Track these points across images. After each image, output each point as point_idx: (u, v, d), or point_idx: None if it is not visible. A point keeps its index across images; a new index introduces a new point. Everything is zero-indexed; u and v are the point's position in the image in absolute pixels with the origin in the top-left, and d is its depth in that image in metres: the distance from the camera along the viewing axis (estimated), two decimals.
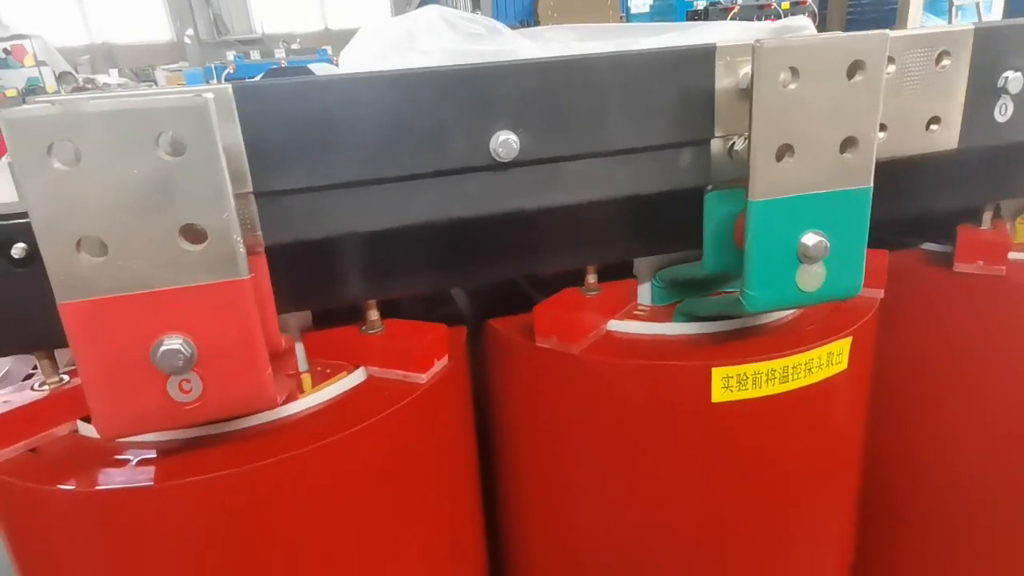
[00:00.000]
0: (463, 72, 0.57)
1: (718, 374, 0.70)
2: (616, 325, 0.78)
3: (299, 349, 0.74)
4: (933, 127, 0.71)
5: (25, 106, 0.43)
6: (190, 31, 14.28)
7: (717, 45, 0.62)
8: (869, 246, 0.88)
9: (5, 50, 12.03)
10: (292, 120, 0.53)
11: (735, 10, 9.27)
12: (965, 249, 0.85)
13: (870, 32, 0.59)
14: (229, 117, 0.51)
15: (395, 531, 0.71)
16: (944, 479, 0.96)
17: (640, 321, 0.78)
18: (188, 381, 0.51)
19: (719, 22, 1.43)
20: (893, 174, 0.81)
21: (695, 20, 9.59)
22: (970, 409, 0.92)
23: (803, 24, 1.29)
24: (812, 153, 0.61)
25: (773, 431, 0.74)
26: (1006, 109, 0.72)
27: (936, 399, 0.94)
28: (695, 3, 9.95)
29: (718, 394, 0.70)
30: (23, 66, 11.89)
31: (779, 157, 0.60)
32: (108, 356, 0.48)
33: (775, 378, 0.71)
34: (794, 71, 0.58)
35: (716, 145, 0.66)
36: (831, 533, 0.86)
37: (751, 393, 0.71)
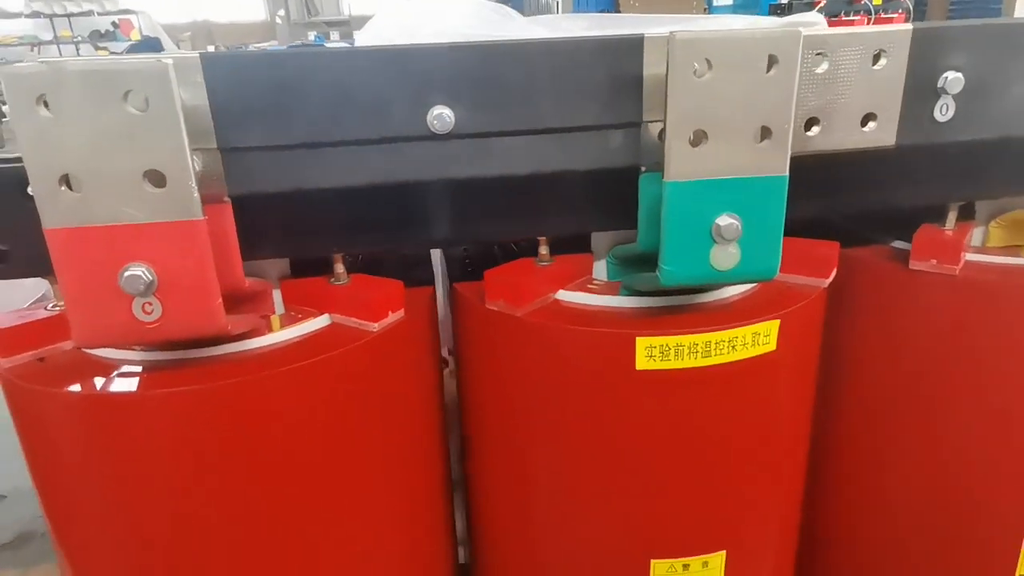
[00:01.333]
0: (403, 51, 0.64)
1: (642, 343, 0.75)
2: (564, 295, 0.84)
3: (277, 295, 0.84)
4: (870, 124, 0.73)
5: (20, 63, 0.53)
6: (281, 12, 14.85)
7: (645, 36, 0.67)
8: (838, 239, 0.92)
9: (113, 23, 12.81)
10: (251, 87, 0.62)
11: (821, 3, 8.95)
12: (920, 247, 0.87)
13: (784, 29, 0.63)
14: (196, 82, 0.60)
15: (346, 466, 0.79)
16: (893, 468, 0.98)
17: (588, 293, 0.84)
18: (150, 304, 0.60)
19: (723, 15, 1.45)
20: (863, 170, 0.85)
21: (778, 14, 9.30)
22: (914, 405, 0.93)
23: (813, 20, 1.31)
24: (726, 140, 0.65)
25: (697, 401, 0.79)
26: (947, 109, 0.74)
27: (885, 392, 0.95)
28: None
29: (642, 362, 0.76)
30: (129, 39, 12.63)
31: (694, 142, 0.65)
32: (83, 277, 0.59)
33: (697, 352, 0.76)
34: (709, 63, 0.63)
35: (648, 129, 0.71)
36: (771, 507, 0.90)
37: (673, 364, 0.76)
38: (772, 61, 0.63)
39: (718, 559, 0.86)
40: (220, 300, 0.62)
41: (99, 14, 12.36)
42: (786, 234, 0.88)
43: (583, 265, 0.89)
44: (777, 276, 0.86)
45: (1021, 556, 0.93)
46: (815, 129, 0.73)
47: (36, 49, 11.63)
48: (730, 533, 0.86)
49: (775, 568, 0.97)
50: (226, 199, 0.66)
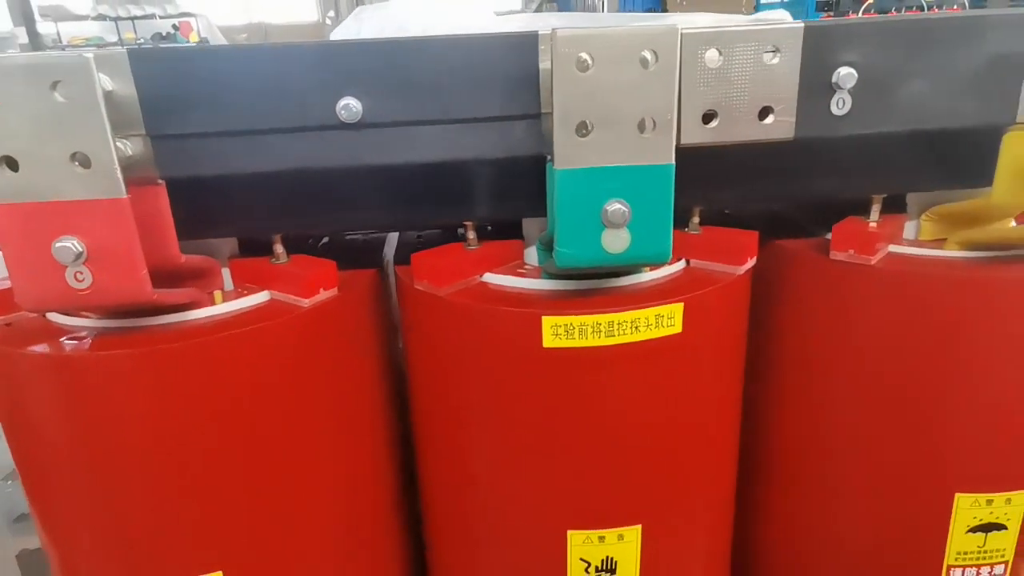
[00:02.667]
0: (313, 47, 0.70)
1: (548, 322, 0.80)
2: (491, 277, 0.90)
3: (226, 273, 0.91)
4: (768, 118, 0.76)
5: None
6: (331, 12, 15.22)
7: (539, 32, 0.72)
8: (779, 233, 0.95)
9: (174, 26, 13.34)
10: (175, 79, 0.69)
11: (869, 2, 8.70)
12: (839, 238, 0.89)
13: (661, 26, 0.67)
14: (124, 75, 0.68)
15: (279, 431, 0.86)
16: (808, 446, 1.00)
17: (514, 276, 0.89)
18: (81, 273, 0.68)
19: (692, 13, 1.47)
20: (795, 161, 0.88)
21: (826, 10, 9.05)
22: (826, 392, 0.95)
23: (779, 17, 1.33)
24: (610, 131, 0.69)
25: (604, 378, 0.83)
26: (843, 103, 0.76)
27: (810, 377, 0.97)
28: None
29: (548, 340, 0.81)
30: (188, 41, 13.15)
31: (580, 133, 0.70)
32: (23, 247, 0.67)
33: (600, 331, 0.80)
34: (591, 58, 0.67)
35: (546, 120, 0.75)
36: (691, 485, 0.93)
37: (578, 342, 0.80)
38: (652, 56, 0.67)
39: (634, 532, 0.90)
40: (145, 271, 0.70)
41: (160, 17, 12.87)
42: (736, 224, 0.92)
43: (515, 250, 0.94)
44: (697, 263, 0.90)
45: (950, 533, 0.94)
46: (714, 122, 0.76)
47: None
48: (646, 508, 0.90)
49: (705, 546, 1.00)
50: (159, 181, 0.74)
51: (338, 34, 1.27)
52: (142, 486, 0.82)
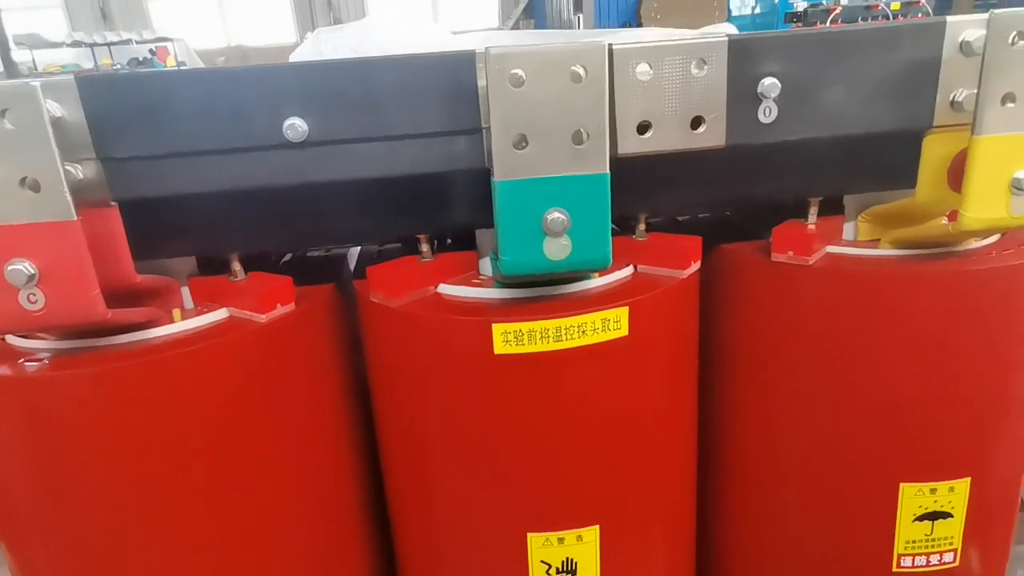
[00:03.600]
0: (258, 70, 0.73)
1: (498, 329, 0.82)
2: (445, 288, 0.92)
3: (186, 291, 0.93)
4: (700, 127, 0.80)
5: None
6: (309, 33, 15.30)
7: (476, 51, 0.75)
8: (729, 237, 0.98)
9: (151, 50, 13.33)
10: (123, 105, 0.71)
11: (837, 11, 8.87)
12: (779, 241, 0.92)
13: (589, 42, 0.71)
14: (73, 101, 0.70)
15: (239, 443, 0.87)
16: (760, 442, 1.03)
17: (468, 286, 0.91)
18: (34, 295, 0.70)
19: (642, 29, 1.52)
20: (732, 168, 0.91)
21: (795, 22, 9.22)
22: (775, 390, 0.98)
23: (724, 29, 1.38)
24: (546, 143, 0.72)
25: (555, 382, 0.85)
26: (770, 112, 0.80)
27: (760, 375, 1.01)
28: (795, 5, 9.60)
29: (499, 347, 0.83)
30: (165, 66, 13.14)
31: (517, 145, 0.73)
32: None
33: (549, 336, 0.83)
34: (523, 75, 0.70)
35: (488, 134, 0.78)
36: (647, 484, 0.96)
37: (528, 348, 0.83)
38: (583, 71, 0.71)
39: (592, 533, 0.92)
40: (98, 292, 0.71)
41: (137, 42, 12.86)
42: (689, 231, 0.96)
43: (469, 261, 0.96)
44: (641, 268, 0.93)
45: (898, 523, 0.97)
46: (649, 132, 0.79)
47: None
48: (602, 509, 0.92)
49: (665, 544, 1.02)
50: (112, 203, 0.76)
51: (297, 56, 1.30)
52: (103, 502, 0.83)
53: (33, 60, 12.08)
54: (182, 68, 0.77)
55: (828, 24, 8.75)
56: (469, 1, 15.57)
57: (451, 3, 15.79)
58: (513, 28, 12.17)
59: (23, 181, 0.67)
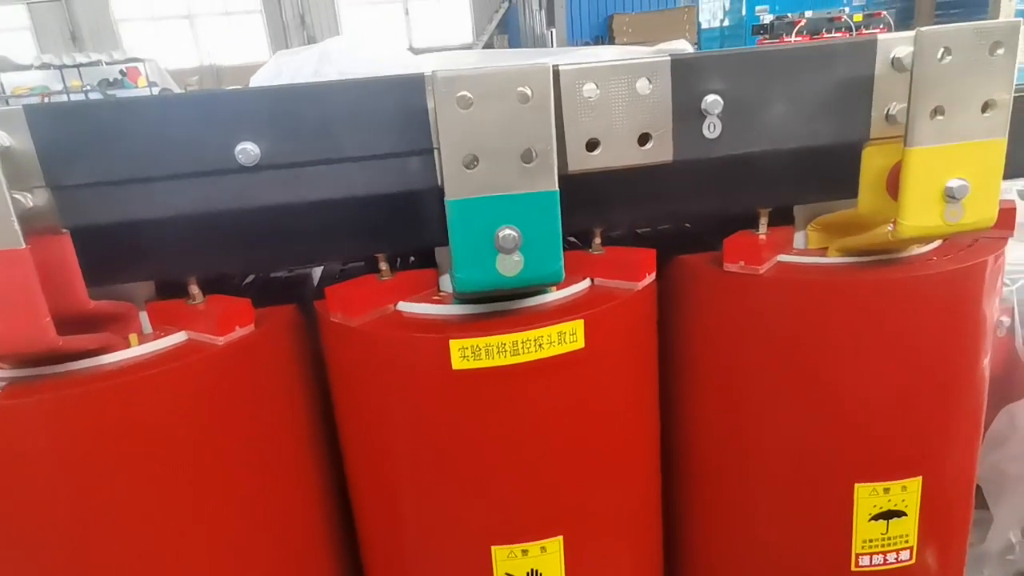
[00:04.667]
0: (209, 96, 0.74)
1: (455, 345, 0.83)
2: (405, 306, 0.93)
3: (144, 316, 0.93)
4: (648, 143, 0.82)
5: None
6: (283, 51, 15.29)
7: (424, 74, 0.77)
8: (687, 249, 1.00)
9: (121, 71, 13.23)
10: (71, 132, 0.72)
11: (802, 23, 9.06)
12: (731, 251, 0.95)
13: (534, 64, 0.73)
14: (21, 130, 0.71)
15: (199, 469, 0.87)
16: (720, 448, 1.06)
17: (428, 303, 0.93)
18: None
19: (600, 47, 1.56)
20: (681, 182, 0.94)
21: (761, 34, 9.41)
22: (733, 396, 1.01)
23: (680, 47, 1.41)
24: (496, 162, 0.74)
25: (514, 396, 0.87)
26: (714, 127, 0.82)
27: (717, 383, 1.03)
28: (761, 18, 9.77)
29: (457, 362, 0.84)
30: (136, 87, 13.04)
31: (467, 165, 0.74)
32: None
33: (506, 351, 0.84)
34: (471, 95, 0.72)
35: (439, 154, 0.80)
36: (608, 495, 0.97)
37: (485, 363, 0.84)
38: (529, 92, 0.72)
39: (556, 544, 0.93)
40: (48, 319, 0.71)
41: (107, 63, 12.76)
42: (648, 244, 0.98)
43: (429, 278, 0.97)
44: (598, 281, 0.95)
45: (854, 522, 0.99)
46: (598, 150, 0.81)
47: (47, 99, 12.02)
48: (564, 519, 0.93)
49: (630, 552, 1.04)
50: (63, 231, 0.76)
51: (257, 78, 1.31)
52: (61, 530, 0.82)
53: (1, 83, 11.93)
54: (132, 97, 0.78)
55: (793, 35, 8.91)
56: (442, 17, 15.67)
57: (424, 20, 15.87)
58: (487, 43, 12.28)
59: None
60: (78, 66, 12.73)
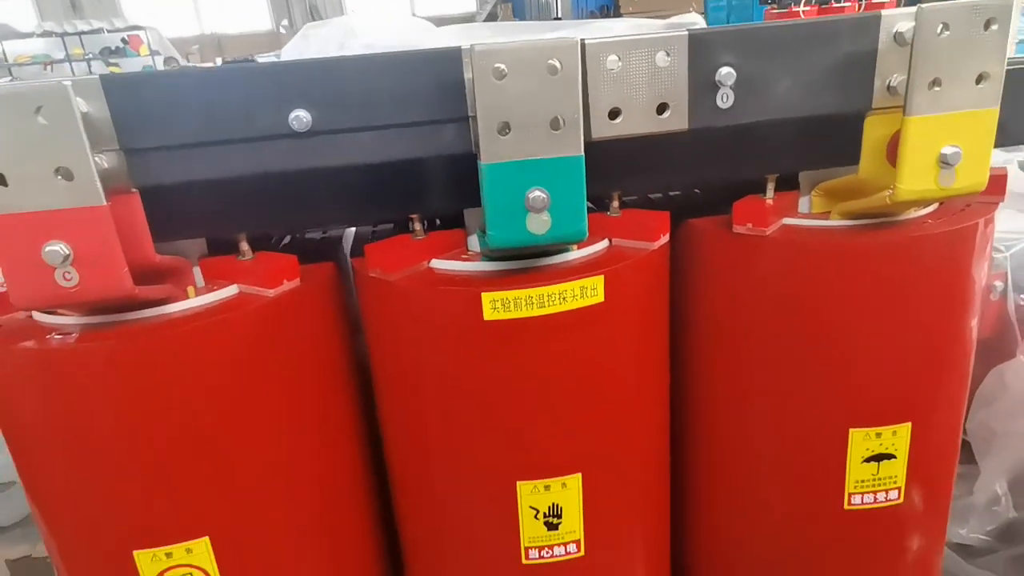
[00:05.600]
0: (266, 67, 0.81)
1: (487, 297, 0.91)
2: (437, 263, 1.01)
3: (197, 271, 1.01)
4: (665, 112, 0.89)
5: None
6: (285, 21, 15.15)
7: (462, 47, 0.83)
8: (697, 214, 1.08)
9: (123, 40, 13.14)
10: (143, 100, 0.79)
11: None
12: (739, 214, 1.02)
13: (564, 37, 0.79)
14: (98, 98, 0.78)
15: (250, 413, 0.95)
16: (725, 397, 1.14)
17: (458, 261, 1.00)
18: (68, 273, 0.77)
19: (611, 20, 1.61)
20: (696, 149, 1.00)
21: (769, 4, 9.31)
22: (738, 349, 1.09)
23: (692, 21, 1.47)
24: (526, 129, 0.81)
25: (540, 345, 0.94)
26: (727, 98, 0.89)
27: (726, 340, 1.11)
28: None
29: (488, 313, 0.92)
30: (139, 55, 12.96)
31: (500, 131, 0.81)
32: (15, 252, 0.76)
33: (533, 303, 0.92)
34: (505, 68, 0.79)
35: (475, 122, 0.86)
36: (621, 436, 1.05)
37: (514, 314, 0.92)
38: (558, 64, 0.79)
39: (575, 480, 1.02)
40: (126, 269, 0.79)
41: (109, 31, 12.67)
42: (659, 208, 1.05)
43: (458, 238, 1.05)
44: (616, 241, 1.03)
45: (848, 464, 1.08)
46: (619, 118, 0.88)
47: (49, 68, 11.98)
48: (583, 459, 1.02)
49: (641, 491, 1.13)
50: (133, 190, 0.83)
51: (288, 51, 1.37)
52: (128, 464, 0.91)
53: (3, 51, 11.88)
54: (197, 67, 0.83)
55: (802, 5, 8.86)
56: None
57: None
58: (490, 14, 12.18)
59: (57, 171, 0.74)
60: (79, 34, 12.64)
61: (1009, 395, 1.65)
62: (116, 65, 12.01)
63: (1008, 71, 0.87)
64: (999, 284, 1.71)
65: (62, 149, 0.73)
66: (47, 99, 0.72)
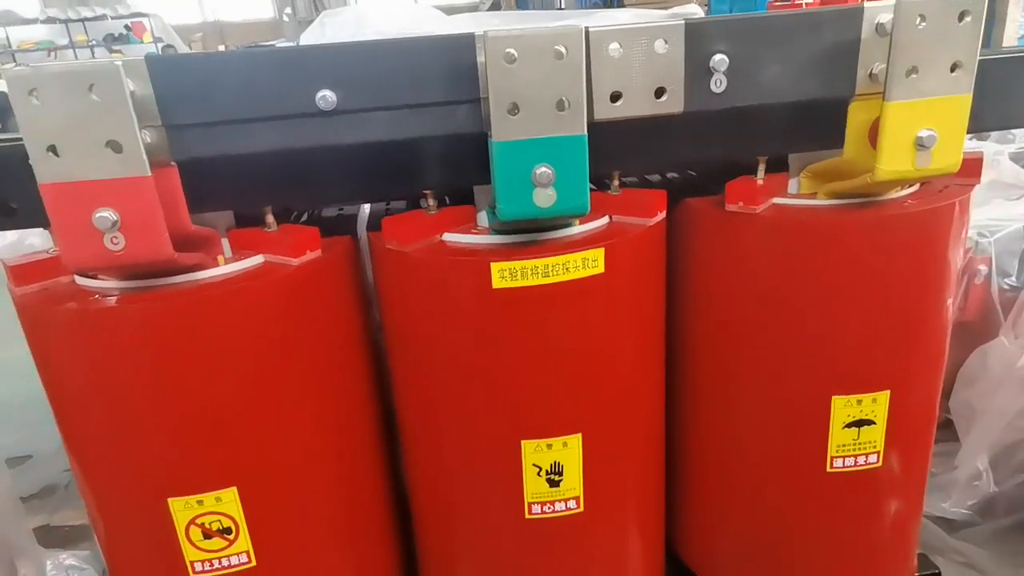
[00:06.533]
0: (295, 51, 0.88)
1: (495, 267, 0.99)
2: (449, 236, 1.08)
3: (225, 242, 1.08)
4: (663, 96, 0.96)
5: (17, 67, 0.77)
6: (288, 9, 15.15)
7: (475, 34, 0.90)
8: (689, 194, 1.15)
9: (126, 26, 13.16)
10: (183, 80, 0.86)
11: None
12: (732, 193, 1.09)
13: (570, 25, 0.86)
14: (143, 78, 0.85)
15: (274, 373, 1.03)
16: (717, 365, 1.22)
17: (468, 234, 1.07)
18: (116, 237, 0.85)
19: (615, 10, 1.68)
20: (691, 131, 1.07)
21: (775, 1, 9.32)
22: (729, 320, 1.16)
23: (691, 11, 1.54)
24: (534, 110, 0.88)
25: (544, 311, 1.02)
26: (721, 83, 0.96)
27: (720, 311, 1.18)
28: None
29: (496, 282, 0.99)
30: (142, 42, 12.98)
31: (510, 112, 0.88)
32: (68, 218, 0.83)
33: (538, 273, 0.99)
34: (515, 52, 0.85)
35: (485, 103, 0.93)
36: (619, 400, 1.13)
37: (520, 282, 0.99)
38: (564, 50, 0.86)
39: (575, 440, 1.09)
40: (167, 235, 0.86)
41: (112, 18, 12.70)
42: (660, 188, 1.12)
43: (468, 214, 1.12)
44: (616, 217, 1.10)
45: (830, 429, 1.15)
46: (620, 101, 0.95)
47: (53, 54, 12.02)
48: (583, 420, 1.09)
49: (639, 452, 1.21)
50: (172, 163, 0.90)
51: (306, 37, 1.44)
52: (163, 418, 0.98)
53: (7, 37, 11.92)
54: (234, 50, 0.89)
55: None
56: None
57: None
58: (494, 3, 12.19)
59: (107, 144, 0.81)
60: (83, 20, 12.66)
61: (990, 375, 1.73)
62: (119, 52, 12.03)
63: (982, 61, 0.94)
64: (983, 268, 1.78)
65: (112, 124, 0.80)
66: (100, 77, 0.79)
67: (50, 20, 12.35)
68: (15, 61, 11.26)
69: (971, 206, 1.15)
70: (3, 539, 1.66)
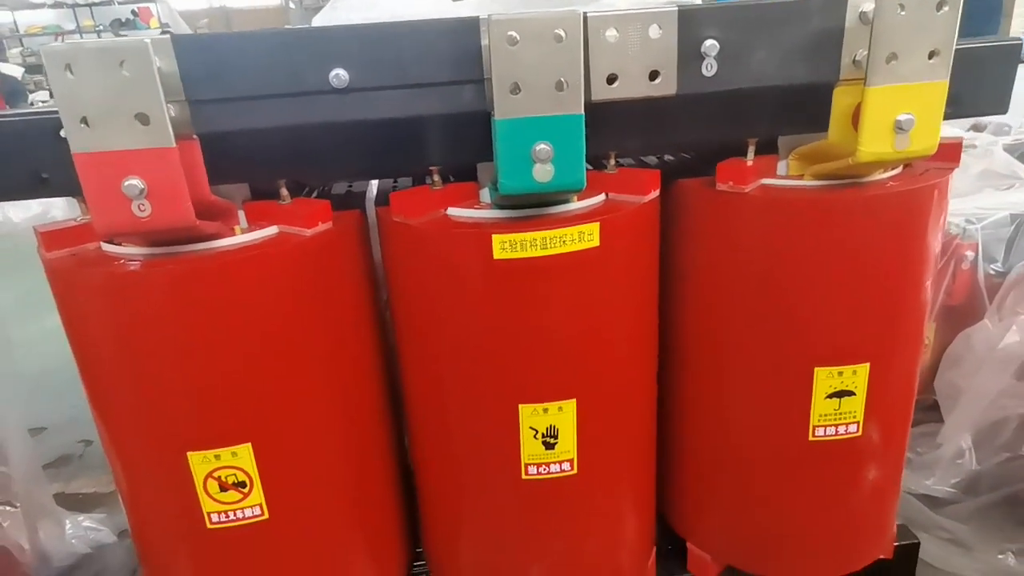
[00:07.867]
0: (310, 31, 0.94)
1: (497, 239, 1.05)
2: (453, 210, 1.14)
3: (241, 214, 1.14)
4: (657, 79, 1.01)
5: (53, 43, 0.83)
6: None
7: (480, 17, 0.96)
8: (683, 175, 1.20)
9: (133, 12, 13.16)
10: (206, 57, 0.92)
11: None
12: (722, 173, 1.15)
13: (569, 10, 0.92)
14: (168, 55, 0.90)
15: (285, 338, 1.09)
16: (705, 337, 1.28)
17: (471, 209, 1.13)
18: (143, 205, 0.91)
19: None
20: (683, 113, 1.13)
21: None
22: (718, 295, 1.22)
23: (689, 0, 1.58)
24: (534, 90, 0.93)
25: (542, 282, 1.08)
26: (711, 67, 1.01)
27: (709, 287, 1.24)
28: None
29: (497, 253, 1.05)
30: (148, 27, 13.01)
31: (512, 92, 0.94)
32: (99, 186, 0.89)
33: (537, 245, 1.05)
34: (517, 36, 0.91)
35: (489, 84, 0.99)
36: (614, 367, 1.19)
37: (520, 254, 1.05)
38: (563, 33, 0.92)
39: (570, 405, 1.16)
40: (190, 203, 0.93)
41: (119, 3, 12.73)
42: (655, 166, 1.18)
43: (471, 190, 1.18)
44: (611, 195, 1.16)
45: (813, 400, 1.21)
46: (616, 83, 1.01)
47: (60, 39, 12.05)
48: (578, 386, 1.15)
49: (631, 418, 1.27)
50: (194, 137, 0.96)
51: (318, 19, 1.50)
52: (183, 376, 1.05)
53: (15, 21, 11.96)
54: (254, 30, 0.92)
55: None
56: None
57: None
58: None
59: (136, 116, 0.87)
60: (90, 4, 12.70)
61: (974, 356, 1.79)
62: (126, 37, 12.06)
63: (958, 50, 0.99)
64: (970, 254, 1.83)
65: (141, 97, 0.86)
66: (130, 54, 0.85)
67: (57, 5, 12.38)
68: (22, 45, 11.31)
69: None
70: (28, 500, 1.74)
